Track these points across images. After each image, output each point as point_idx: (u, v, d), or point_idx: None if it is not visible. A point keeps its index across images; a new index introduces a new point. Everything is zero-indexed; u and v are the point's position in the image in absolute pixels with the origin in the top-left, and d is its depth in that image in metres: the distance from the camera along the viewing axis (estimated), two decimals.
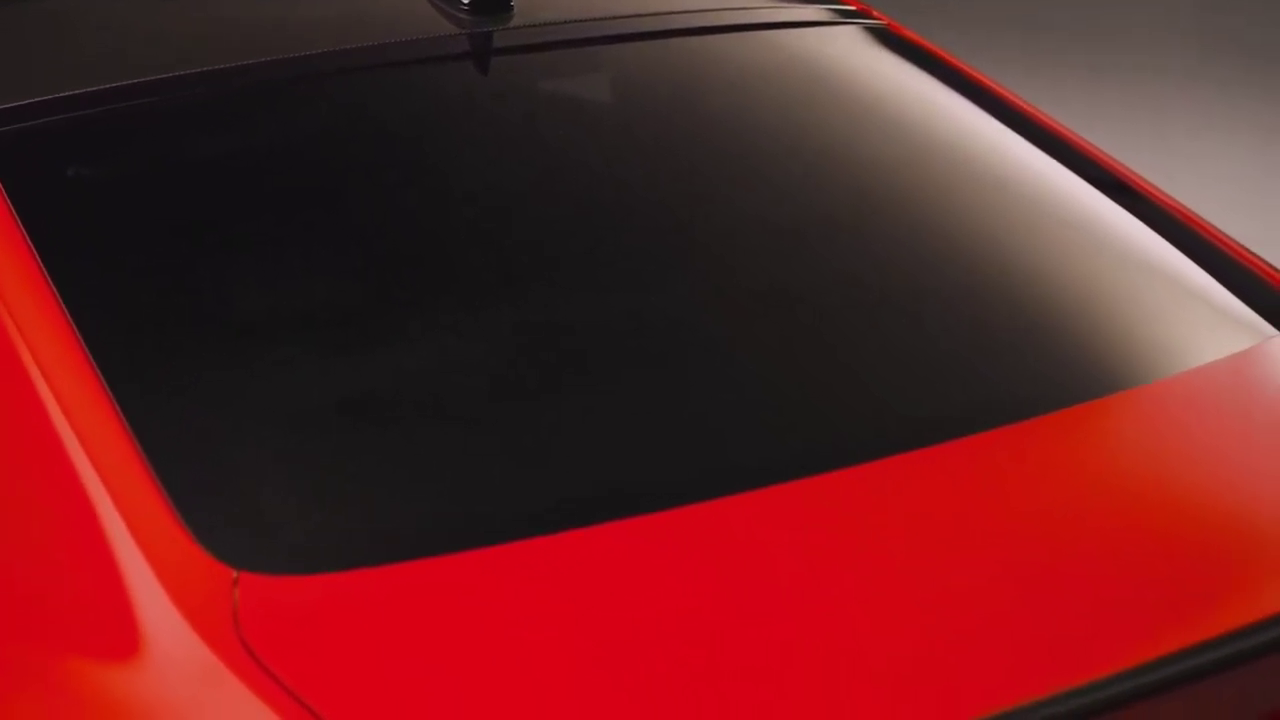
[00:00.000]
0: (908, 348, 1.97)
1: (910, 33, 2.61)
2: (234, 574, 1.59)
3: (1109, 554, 1.70)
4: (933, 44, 2.57)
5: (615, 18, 2.37)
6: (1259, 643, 1.61)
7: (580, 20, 2.35)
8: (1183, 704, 1.58)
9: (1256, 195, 5.99)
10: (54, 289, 1.83)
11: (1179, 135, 6.64)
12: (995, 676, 1.54)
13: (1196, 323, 2.14)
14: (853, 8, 2.63)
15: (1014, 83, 7.25)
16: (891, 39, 2.54)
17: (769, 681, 1.51)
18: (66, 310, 1.81)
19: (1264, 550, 1.74)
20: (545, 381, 1.82)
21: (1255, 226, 5.63)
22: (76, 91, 2.10)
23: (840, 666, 1.53)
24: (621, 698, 1.48)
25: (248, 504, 1.65)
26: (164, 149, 2.02)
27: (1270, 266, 2.34)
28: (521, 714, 1.46)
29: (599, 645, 1.53)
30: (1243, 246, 2.36)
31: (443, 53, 2.23)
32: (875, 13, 2.65)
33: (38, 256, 1.87)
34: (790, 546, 1.66)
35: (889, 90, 2.40)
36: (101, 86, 2.11)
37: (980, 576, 1.65)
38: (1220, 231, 2.36)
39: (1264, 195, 5.98)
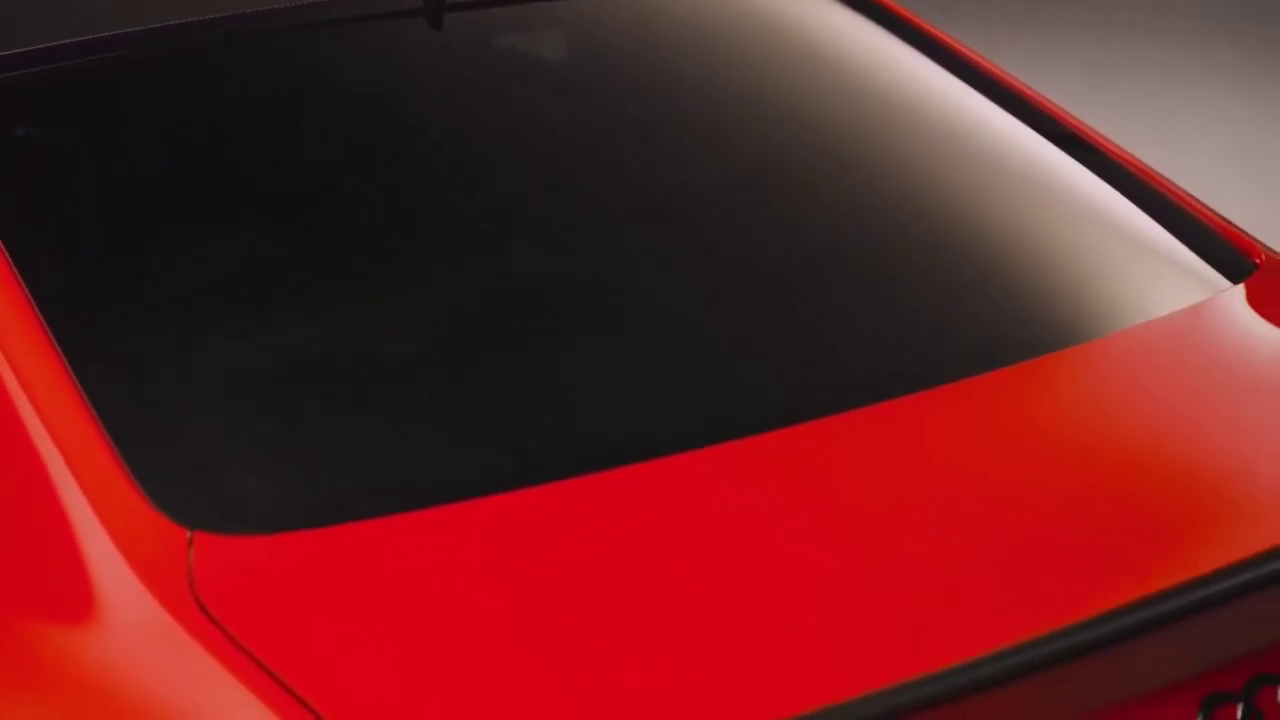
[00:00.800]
0: (865, 303, 1.97)
1: None
2: (188, 534, 1.59)
3: (1065, 507, 1.71)
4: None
5: None
6: (1223, 589, 1.62)
7: None
8: (1139, 655, 1.59)
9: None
10: (5, 253, 1.82)
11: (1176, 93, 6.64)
12: (951, 630, 1.55)
13: (1151, 276, 2.15)
14: None
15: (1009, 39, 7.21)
16: None
17: (720, 636, 1.51)
18: (19, 274, 1.80)
19: (1221, 500, 1.75)
20: (500, 341, 1.82)
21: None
22: (11, 51, 2.08)
23: (791, 622, 1.54)
24: (571, 652, 1.48)
25: (202, 465, 1.65)
26: (103, 110, 2.01)
27: (1223, 219, 2.35)
28: (474, 669, 1.46)
29: (551, 601, 1.53)
30: (1197, 200, 2.37)
31: (390, 9, 2.22)
32: None
33: None
34: (746, 502, 1.67)
35: (846, 46, 2.40)
36: (38, 46, 2.09)
37: (939, 529, 1.66)
38: (1175, 185, 2.37)
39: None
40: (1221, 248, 2.27)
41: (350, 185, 1.95)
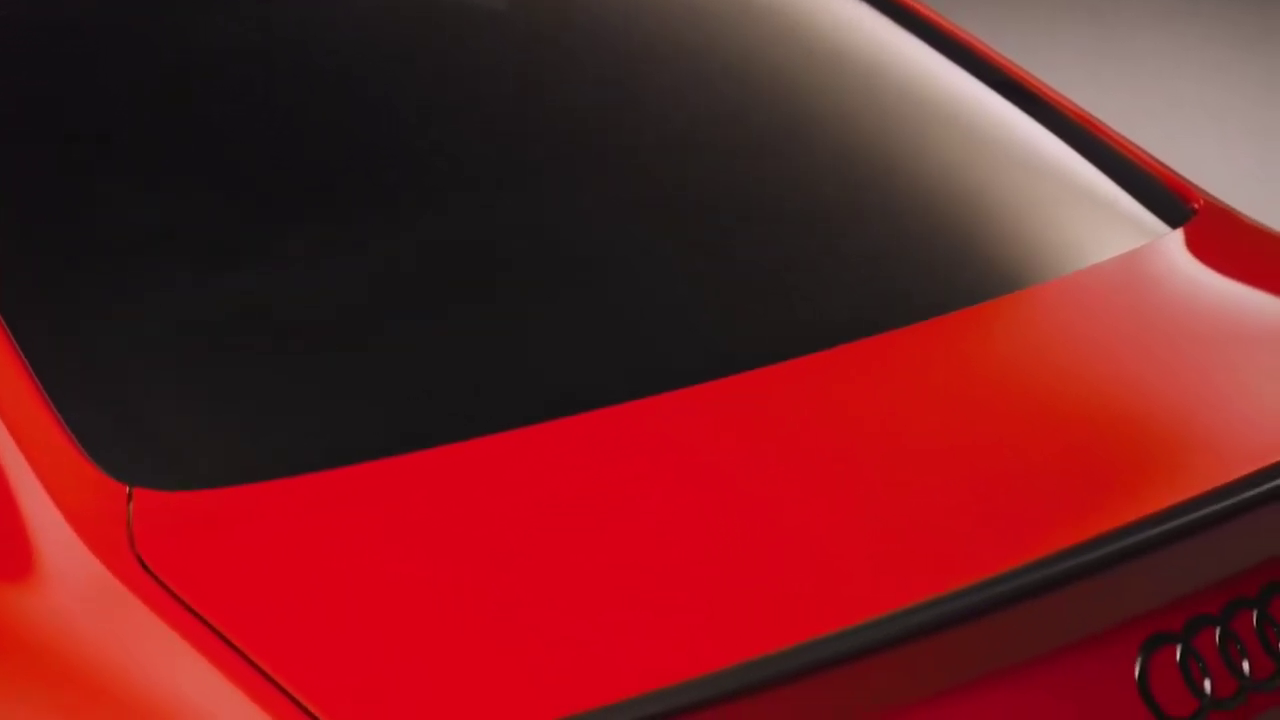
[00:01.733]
0: (805, 251, 1.97)
1: None
2: (128, 489, 1.58)
3: (1003, 453, 1.72)
4: None
5: None
6: (1163, 531, 1.63)
7: None
8: (1079, 599, 1.60)
9: None
10: None
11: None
12: (887, 579, 1.56)
13: (1092, 222, 2.16)
14: None
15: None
16: None
17: (680, 582, 1.52)
18: None
19: (1157, 445, 1.76)
20: (443, 291, 1.81)
21: None
22: None
23: (743, 566, 1.54)
24: (530, 602, 1.48)
25: (140, 420, 1.64)
26: (26, 56, 1.99)
27: (1162, 164, 2.36)
28: (420, 620, 1.46)
29: (506, 549, 1.53)
30: (1135, 145, 2.37)
31: None
32: None
33: None
34: (696, 450, 1.67)
35: None
36: None
37: (879, 475, 1.66)
38: (1113, 131, 2.37)
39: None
40: (1160, 193, 2.28)
41: (288, 134, 1.93)
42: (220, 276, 1.77)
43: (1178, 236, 2.18)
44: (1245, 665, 1.68)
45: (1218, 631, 1.68)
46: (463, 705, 1.40)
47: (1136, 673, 1.63)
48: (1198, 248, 2.16)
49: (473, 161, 1.96)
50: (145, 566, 1.50)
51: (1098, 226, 2.15)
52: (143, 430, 1.63)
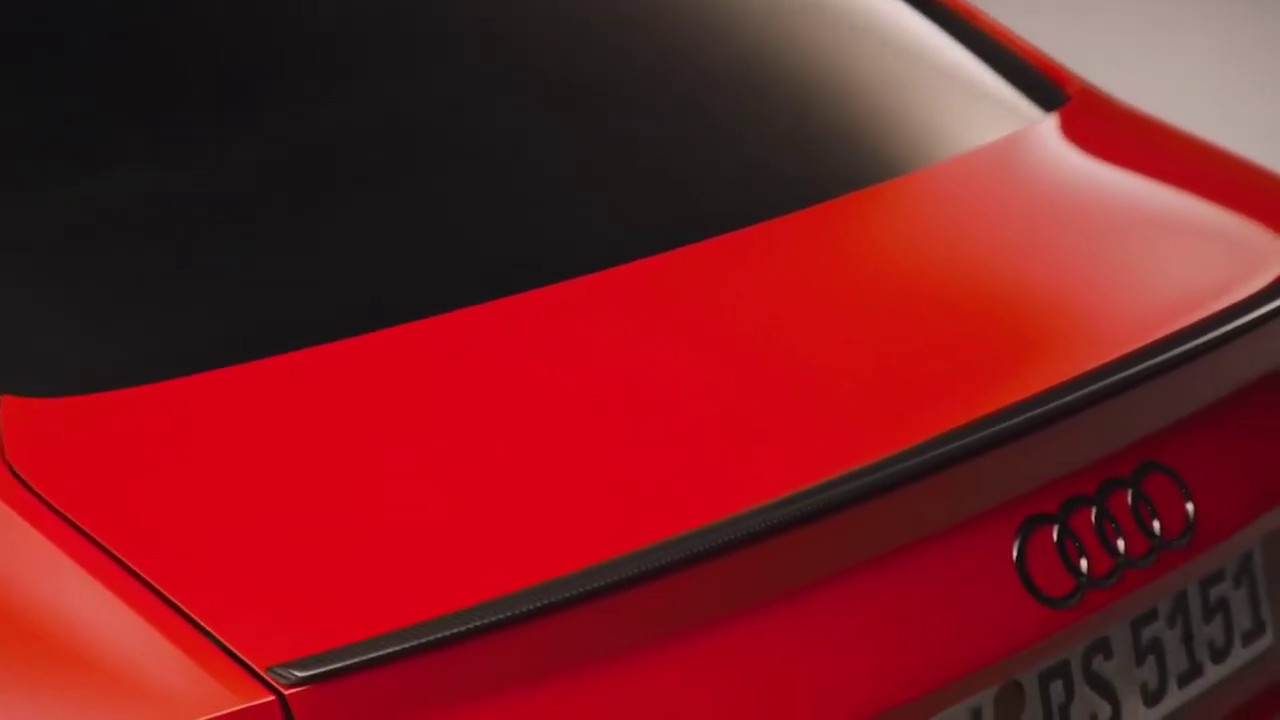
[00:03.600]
0: (684, 140, 1.96)
1: None
2: None
3: (879, 340, 1.73)
4: None
5: None
6: (1038, 414, 1.64)
7: None
8: (955, 483, 1.62)
9: None
10: None
11: None
12: (764, 466, 1.56)
13: (967, 108, 2.16)
14: None
15: None
16: None
17: (592, 460, 1.52)
18: None
19: (1032, 330, 1.78)
20: (313, 184, 1.79)
21: None
22: None
23: (611, 460, 1.54)
24: (377, 492, 1.48)
25: (5, 327, 1.61)
26: None
27: (1036, 50, 2.37)
28: (301, 517, 1.45)
29: (367, 449, 1.53)
30: (1009, 31, 2.38)
31: None
32: None
33: None
34: (577, 341, 1.66)
35: None
36: None
37: (755, 363, 1.67)
38: (987, 16, 2.37)
39: None
40: (1034, 79, 2.29)
41: (167, 18, 1.89)
42: (85, 173, 1.74)
43: (1052, 121, 2.19)
44: (1120, 544, 1.70)
45: (1093, 511, 1.70)
46: (338, 596, 1.40)
47: (1014, 555, 1.65)
48: (1072, 132, 2.18)
49: (349, 44, 1.93)
50: (16, 475, 1.49)
51: (973, 112, 2.16)
52: (9, 337, 1.60)
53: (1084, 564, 1.67)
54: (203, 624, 1.39)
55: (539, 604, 1.41)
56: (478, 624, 1.39)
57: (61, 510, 1.46)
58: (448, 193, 1.81)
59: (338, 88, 1.87)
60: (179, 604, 1.40)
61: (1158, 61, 5.44)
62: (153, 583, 1.41)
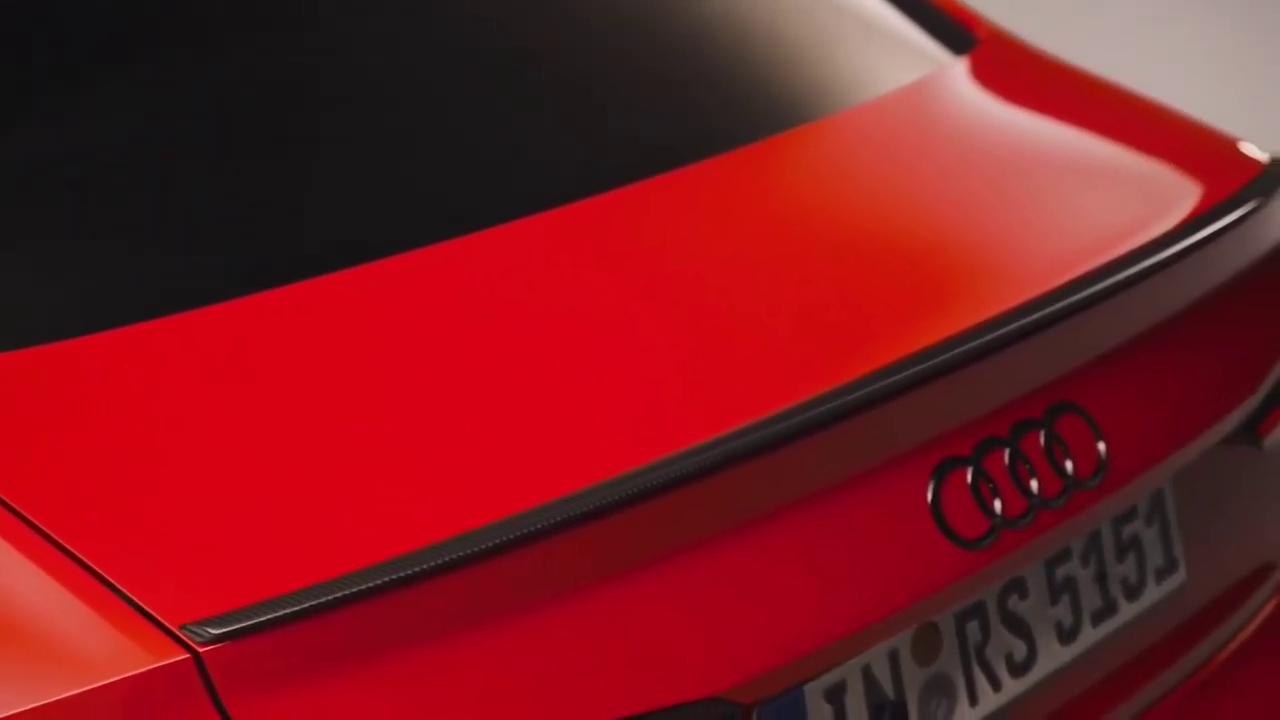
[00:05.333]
0: (596, 87, 1.96)
1: None
2: None
3: (786, 288, 1.73)
4: None
5: None
6: (950, 357, 1.65)
7: None
8: (870, 427, 1.62)
9: None
10: None
11: None
12: (681, 411, 1.56)
13: (876, 52, 2.16)
14: None
15: None
16: None
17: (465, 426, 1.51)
18: None
19: (942, 273, 1.78)
20: (240, 135, 1.77)
21: None
22: None
23: (543, 402, 1.54)
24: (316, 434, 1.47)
25: None
26: None
27: None
28: (209, 477, 1.44)
29: (302, 406, 1.52)
30: None
31: None
32: None
33: None
34: (514, 285, 1.66)
35: None
36: None
37: (661, 315, 1.67)
38: None
39: None
40: (943, 22, 2.29)
41: None
42: (12, 129, 1.72)
43: (962, 64, 2.19)
44: (1034, 484, 1.71)
45: (1006, 453, 1.71)
46: (253, 552, 1.39)
47: (929, 497, 1.66)
48: (982, 75, 2.18)
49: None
50: None
51: (883, 56, 2.16)
52: None
53: (998, 505, 1.68)
54: (115, 583, 1.38)
55: (455, 555, 1.40)
56: (392, 578, 1.38)
57: None
58: (387, 138, 1.79)
59: (269, 30, 1.86)
60: (90, 563, 1.38)
61: (1158, 61, 5.44)
62: (63, 543, 1.40)
